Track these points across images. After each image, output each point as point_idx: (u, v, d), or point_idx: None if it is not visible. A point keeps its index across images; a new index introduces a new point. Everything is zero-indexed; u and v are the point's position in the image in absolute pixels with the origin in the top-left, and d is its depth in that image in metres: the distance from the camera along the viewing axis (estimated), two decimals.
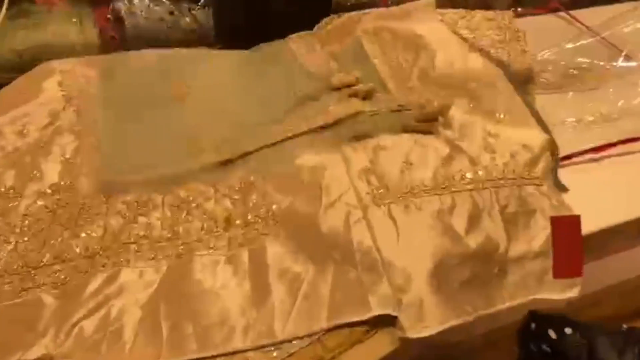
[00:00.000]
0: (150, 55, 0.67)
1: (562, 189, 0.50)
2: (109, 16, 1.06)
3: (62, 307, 0.39)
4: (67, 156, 0.53)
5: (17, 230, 0.45)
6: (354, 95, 0.56)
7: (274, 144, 0.53)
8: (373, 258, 0.40)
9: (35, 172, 0.50)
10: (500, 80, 0.57)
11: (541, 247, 0.44)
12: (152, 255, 0.43)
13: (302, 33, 0.69)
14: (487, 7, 1.06)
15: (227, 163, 0.52)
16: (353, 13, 0.74)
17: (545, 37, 0.76)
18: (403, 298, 0.38)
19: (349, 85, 0.57)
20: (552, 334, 0.50)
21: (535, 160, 0.48)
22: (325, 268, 0.41)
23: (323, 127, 0.53)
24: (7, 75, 1.03)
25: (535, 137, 0.50)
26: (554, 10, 0.93)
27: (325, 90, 0.57)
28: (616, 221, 0.50)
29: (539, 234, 0.45)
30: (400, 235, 0.41)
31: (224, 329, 0.38)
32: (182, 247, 0.44)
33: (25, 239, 0.44)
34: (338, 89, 0.57)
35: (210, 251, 0.44)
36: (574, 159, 0.56)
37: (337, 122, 0.53)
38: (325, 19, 0.72)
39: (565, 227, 0.45)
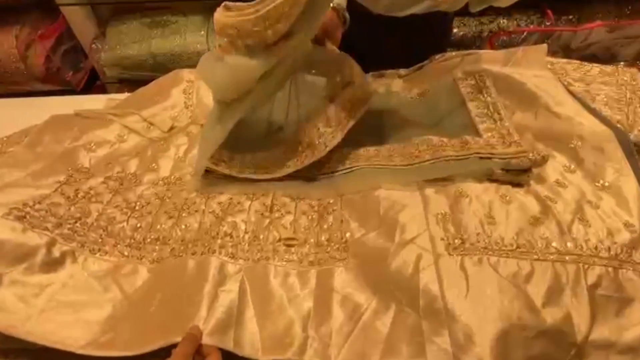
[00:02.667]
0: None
1: None
2: None
3: (157, 280, 0.45)
4: (180, 155, 0.61)
5: (132, 206, 0.53)
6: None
7: (355, 169, 0.55)
8: (437, 307, 0.40)
9: (153, 164, 0.60)
10: (609, 144, 0.53)
11: (634, 341, 0.40)
12: (233, 253, 0.47)
13: (389, 71, 0.71)
14: (610, 57, 0.97)
15: (310, 179, 0.56)
16: (455, 53, 0.74)
17: None
18: (461, 357, 0.37)
19: None
20: None
21: (638, 243, 0.43)
22: (387, 305, 0.42)
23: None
24: (142, 73, 1.24)
25: None
26: None
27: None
28: None
29: (635, 327, 0.40)
30: (470, 290, 0.40)
31: (285, 340, 0.40)
32: (259, 253, 0.48)
33: (136, 216, 0.52)
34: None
35: (283, 263, 0.47)
36: None
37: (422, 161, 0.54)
38: (430, 58, 0.73)
39: None
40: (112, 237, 0.49)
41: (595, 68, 0.68)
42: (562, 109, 0.60)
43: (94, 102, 0.75)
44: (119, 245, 0.49)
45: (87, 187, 0.54)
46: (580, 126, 0.56)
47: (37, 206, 0.49)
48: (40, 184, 0.52)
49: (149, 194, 0.55)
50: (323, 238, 0.49)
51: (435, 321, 0.39)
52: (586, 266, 0.42)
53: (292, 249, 0.48)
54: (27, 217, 0.47)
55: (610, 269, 0.42)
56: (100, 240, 0.49)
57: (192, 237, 0.49)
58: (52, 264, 0.46)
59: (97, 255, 0.47)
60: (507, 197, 0.49)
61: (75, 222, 0.49)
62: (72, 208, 0.51)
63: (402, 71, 0.73)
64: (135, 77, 1.25)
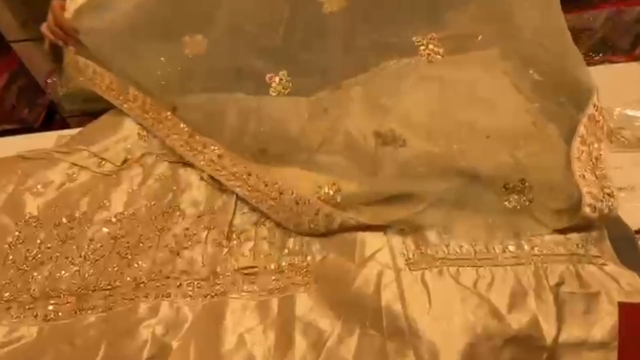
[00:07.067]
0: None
1: None
2: None
3: (107, 330, 0.43)
4: (134, 188, 0.59)
5: (83, 253, 0.51)
6: None
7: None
8: (400, 326, 0.38)
9: (105, 201, 0.57)
10: (554, 143, 0.52)
11: (604, 336, 0.38)
12: (190, 293, 0.45)
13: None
14: None
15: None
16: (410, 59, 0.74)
17: (627, 89, 0.69)
18: None
19: None
20: None
21: (590, 237, 0.43)
22: (351, 329, 0.40)
23: None
24: (103, 105, 1.21)
25: (586, 212, 0.43)
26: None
27: None
28: None
29: (602, 321, 0.39)
30: (433, 304, 0.39)
31: None
32: (217, 287, 0.46)
33: (88, 263, 0.50)
34: None
35: (243, 294, 0.45)
36: None
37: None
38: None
39: (637, 315, 0.39)
40: (64, 298, 0.47)
41: None
42: (509, 110, 0.59)
43: (45, 140, 0.72)
44: (69, 304, 0.46)
45: (38, 242, 0.52)
46: (525, 127, 0.55)
47: None
48: None
49: (101, 235, 0.53)
50: (284, 263, 0.47)
51: (399, 341, 0.38)
52: (545, 266, 0.41)
53: (252, 278, 0.46)
54: None
55: (570, 266, 0.41)
56: (51, 307, 0.46)
57: (145, 277, 0.47)
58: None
59: (50, 322, 0.45)
60: (462, 205, 0.48)
61: (26, 294, 0.47)
62: (21, 281, 0.48)
63: (360, 77, 0.72)
64: (96, 110, 1.22)
